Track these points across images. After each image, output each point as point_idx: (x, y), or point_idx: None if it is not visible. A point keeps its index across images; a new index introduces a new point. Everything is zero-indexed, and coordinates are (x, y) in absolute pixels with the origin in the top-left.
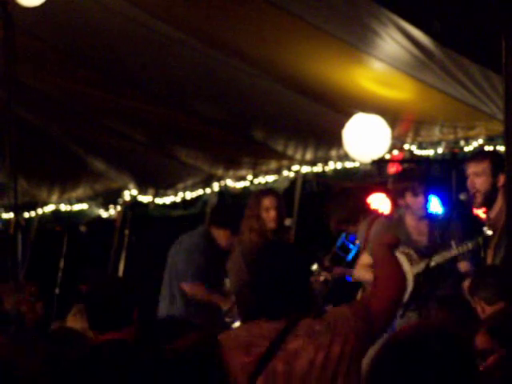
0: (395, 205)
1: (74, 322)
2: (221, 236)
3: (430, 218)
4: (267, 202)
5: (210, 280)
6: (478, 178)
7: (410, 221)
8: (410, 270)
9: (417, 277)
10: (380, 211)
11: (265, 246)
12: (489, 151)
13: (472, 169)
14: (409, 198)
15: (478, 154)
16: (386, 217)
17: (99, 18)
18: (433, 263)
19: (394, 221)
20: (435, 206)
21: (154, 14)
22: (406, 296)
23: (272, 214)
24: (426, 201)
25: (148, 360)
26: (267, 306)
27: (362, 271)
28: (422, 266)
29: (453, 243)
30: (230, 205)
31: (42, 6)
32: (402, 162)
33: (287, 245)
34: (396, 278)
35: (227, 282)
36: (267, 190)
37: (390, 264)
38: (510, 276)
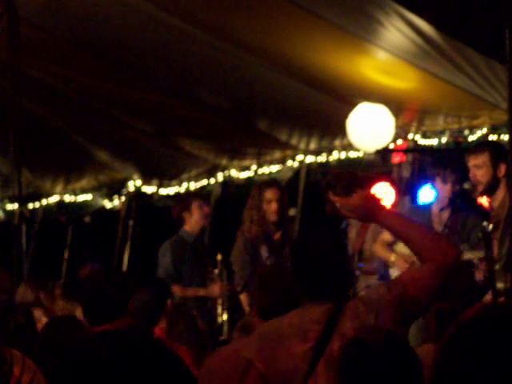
0: (399, 194)
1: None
2: (188, 222)
3: (455, 208)
4: (269, 194)
5: (185, 274)
6: (478, 170)
7: (434, 209)
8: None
9: None
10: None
11: (303, 232)
12: (487, 142)
13: (472, 161)
14: (438, 185)
15: (477, 146)
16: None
17: (104, 9)
18: None
19: (422, 209)
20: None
21: (160, 5)
22: None
23: (273, 206)
24: (456, 191)
25: (139, 350)
26: (314, 290)
27: (379, 247)
28: None
29: (465, 246)
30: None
31: None
32: (406, 151)
33: (323, 227)
34: (430, 238)
35: (216, 271)
36: (270, 181)
37: (414, 226)
38: None
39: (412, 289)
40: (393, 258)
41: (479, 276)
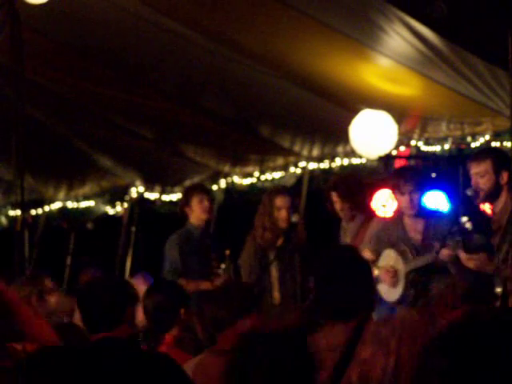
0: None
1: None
2: (192, 215)
3: (426, 215)
4: (279, 201)
5: (192, 268)
6: (481, 178)
7: (406, 218)
8: (403, 268)
9: (408, 274)
10: (382, 209)
11: (325, 251)
12: (490, 150)
13: (474, 169)
14: (396, 196)
15: (479, 154)
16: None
17: (107, 16)
18: (413, 265)
19: (393, 218)
20: (441, 202)
21: (164, 12)
22: (399, 293)
23: (283, 213)
24: (418, 200)
25: (136, 359)
26: (337, 310)
27: None
28: (413, 264)
29: (436, 244)
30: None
31: (49, 3)
32: (408, 158)
33: (344, 247)
34: None
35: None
36: (280, 188)
37: None
38: None
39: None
40: (376, 272)
41: None
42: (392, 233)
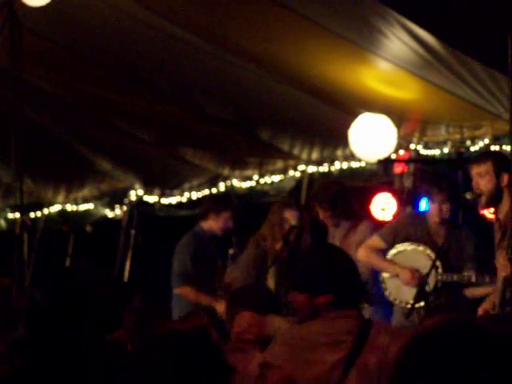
0: (401, 204)
1: None
2: (211, 224)
3: (449, 221)
4: (288, 214)
5: (202, 277)
6: (481, 179)
7: (432, 220)
8: (433, 275)
9: (437, 284)
10: (381, 213)
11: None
12: (491, 152)
13: (475, 170)
14: (428, 203)
15: (481, 155)
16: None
17: (107, 18)
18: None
19: (416, 218)
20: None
21: (163, 15)
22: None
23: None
24: (450, 209)
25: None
26: (339, 299)
27: (373, 254)
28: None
29: (473, 275)
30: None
31: (48, 5)
32: (408, 161)
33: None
34: None
35: (227, 274)
36: (289, 201)
37: None
38: None
39: None
40: (399, 270)
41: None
42: (410, 230)
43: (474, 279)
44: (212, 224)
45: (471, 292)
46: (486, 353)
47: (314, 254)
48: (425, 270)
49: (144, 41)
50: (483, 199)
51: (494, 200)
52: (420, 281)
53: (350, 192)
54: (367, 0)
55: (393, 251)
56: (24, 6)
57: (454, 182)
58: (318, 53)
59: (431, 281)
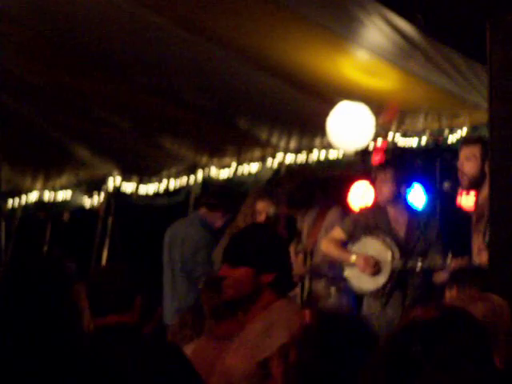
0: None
1: None
2: (214, 218)
3: (410, 209)
4: (260, 206)
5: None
6: (467, 161)
7: (390, 209)
8: (388, 262)
9: (394, 271)
10: (359, 201)
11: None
12: (481, 136)
13: (464, 151)
14: (378, 185)
15: (471, 137)
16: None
17: (85, 6)
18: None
19: (376, 207)
20: (419, 196)
21: (142, 3)
22: (377, 285)
23: (263, 218)
24: (400, 189)
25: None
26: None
27: (332, 246)
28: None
29: (419, 260)
30: (219, 187)
31: None
32: (385, 151)
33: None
34: None
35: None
36: (262, 192)
37: None
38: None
39: None
40: (353, 258)
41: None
42: (371, 220)
43: (436, 264)
44: (214, 217)
45: (438, 277)
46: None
47: (262, 232)
48: (382, 258)
49: (124, 29)
50: (465, 181)
51: (477, 183)
52: (375, 267)
53: (322, 179)
54: None
55: (354, 242)
56: None
57: (405, 163)
58: (296, 41)
59: (386, 268)
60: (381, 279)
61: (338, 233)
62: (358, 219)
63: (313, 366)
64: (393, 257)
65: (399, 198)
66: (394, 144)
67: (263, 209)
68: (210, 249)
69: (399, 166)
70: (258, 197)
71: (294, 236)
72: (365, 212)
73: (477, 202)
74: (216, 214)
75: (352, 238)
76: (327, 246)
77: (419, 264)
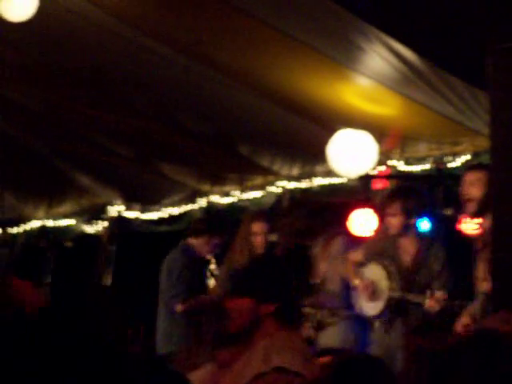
0: (382, 220)
1: None
2: (200, 245)
3: (421, 239)
4: (256, 227)
5: (195, 287)
6: (472, 186)
7: (400, 238)
8: (386, 289)
9: (390, 299)
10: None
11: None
12: (486, 164)
13: (468, 177)
14: (387, 217)
15: (476, 164)
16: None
17: (86, 34)
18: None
19: (391, 236)
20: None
21: (141, 30)
22: (378, 310)
23: (259, 239)
24: (409, 221)
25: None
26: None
27: (348, 267)
28: (399, 296)
29: (428, 293)
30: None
31: (27, 20)
32: (388, 177)
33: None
34: None
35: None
36: (258, 214)
37: None
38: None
39: None
40: (356, 281)
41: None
42: (379, 247)
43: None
44: (201, 244)
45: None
46: None
47: (266, 263)
48: (381, 285)
49: (125, 57)
50: (470, 207)
51: (482, 210)
52: (373, 293)
53: (326, 207)
54: (347, 16)
55: (362, 266)
56: (3, 20)
57: (416, 194)
58: (297, 68)
59: (383, 296)
60: (379, 305)
61: (356, 255)
62: (371, 243)
63: None
64: (390, 286)
65: (409, 228)
66: (398, 171)
67: (259, 230)
68: (186, 271)
69: (407, 197)
70: (252, 218)
71: (305, 265)
72: (376, 237)
73: (483, 229)
74: (202, 240)
75: (363, 262)
76: (345, 268)
77: (419, 298)
